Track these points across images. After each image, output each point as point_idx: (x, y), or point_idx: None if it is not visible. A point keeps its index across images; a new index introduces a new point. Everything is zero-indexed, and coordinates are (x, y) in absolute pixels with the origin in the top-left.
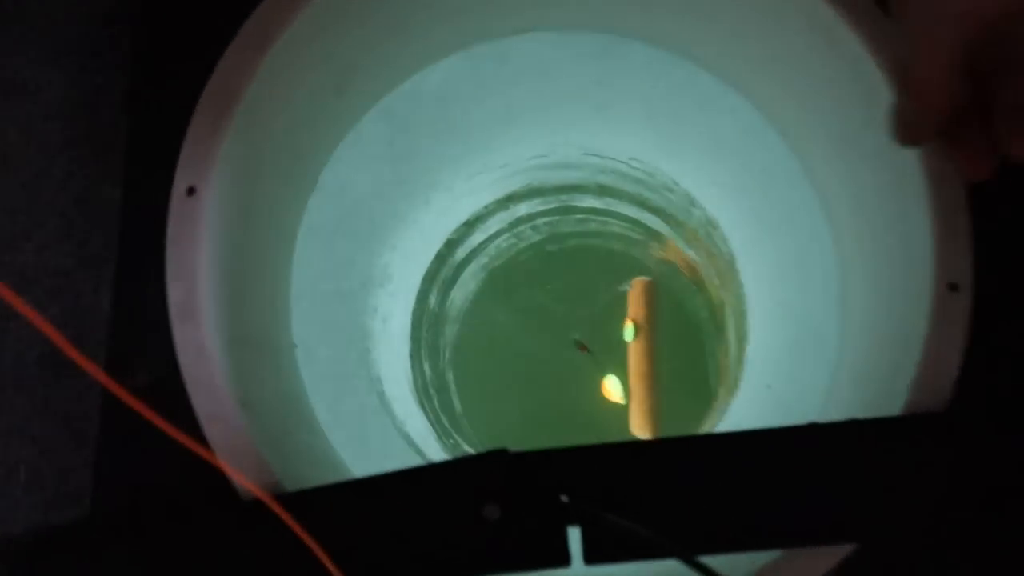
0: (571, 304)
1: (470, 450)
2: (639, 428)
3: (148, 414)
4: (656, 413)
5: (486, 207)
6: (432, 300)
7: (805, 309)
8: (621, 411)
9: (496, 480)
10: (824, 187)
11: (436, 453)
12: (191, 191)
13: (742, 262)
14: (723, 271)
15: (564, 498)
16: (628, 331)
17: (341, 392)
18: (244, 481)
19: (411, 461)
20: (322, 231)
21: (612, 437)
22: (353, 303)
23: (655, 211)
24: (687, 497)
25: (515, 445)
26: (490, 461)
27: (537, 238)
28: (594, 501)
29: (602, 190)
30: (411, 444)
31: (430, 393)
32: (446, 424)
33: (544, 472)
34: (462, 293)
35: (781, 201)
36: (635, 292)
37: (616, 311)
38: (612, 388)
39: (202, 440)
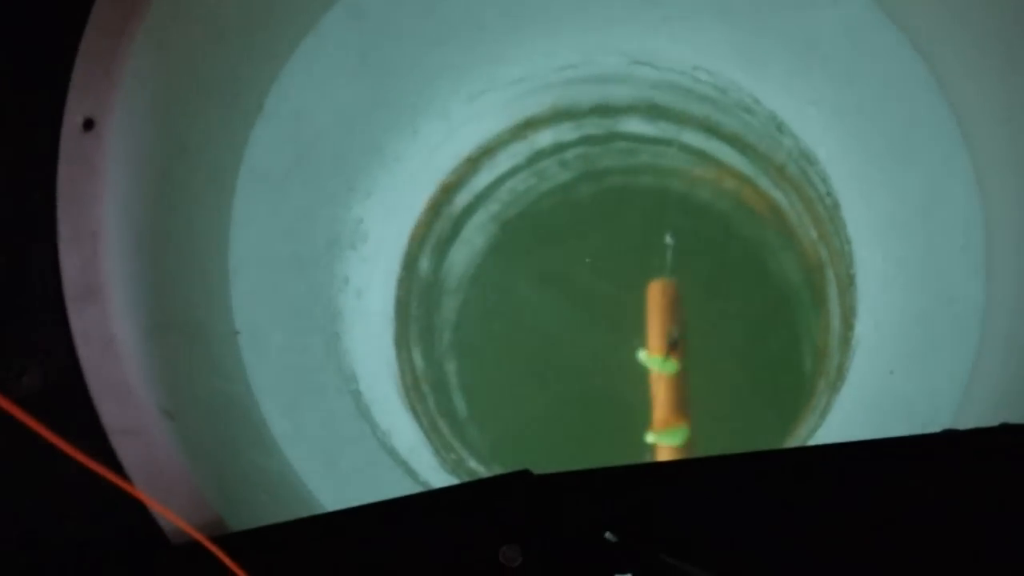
0: (611, 266)
1: (480, 469)
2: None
3: (37, 428)
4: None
5: (496, 137)
6: (424, 265)
7: (936, 271)
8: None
9: (516, 513)
10: (963, 105)
11: (433, 473)
12: (88, 125)
13: (849, 209)
14: (822, 221)
15: (610, 536)
16: (652, 358)
17: (302, 393)
18: (173, 518)
19: (400, 485)
20: (271, 175)
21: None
22: (315, 273)
23: (728, 139)
24: (777, 532)
25: (541, 462)
26: (507, 488)
27: (566, 177)
28: (651, 540)
29: (656, 111)
30: (398, 461)
31: (423, 392)
32: (445, 433)
33: (581, 501)
34: (464, 254)
35: (903, 125)
36: (654, 302)
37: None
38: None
39: (114, 463)
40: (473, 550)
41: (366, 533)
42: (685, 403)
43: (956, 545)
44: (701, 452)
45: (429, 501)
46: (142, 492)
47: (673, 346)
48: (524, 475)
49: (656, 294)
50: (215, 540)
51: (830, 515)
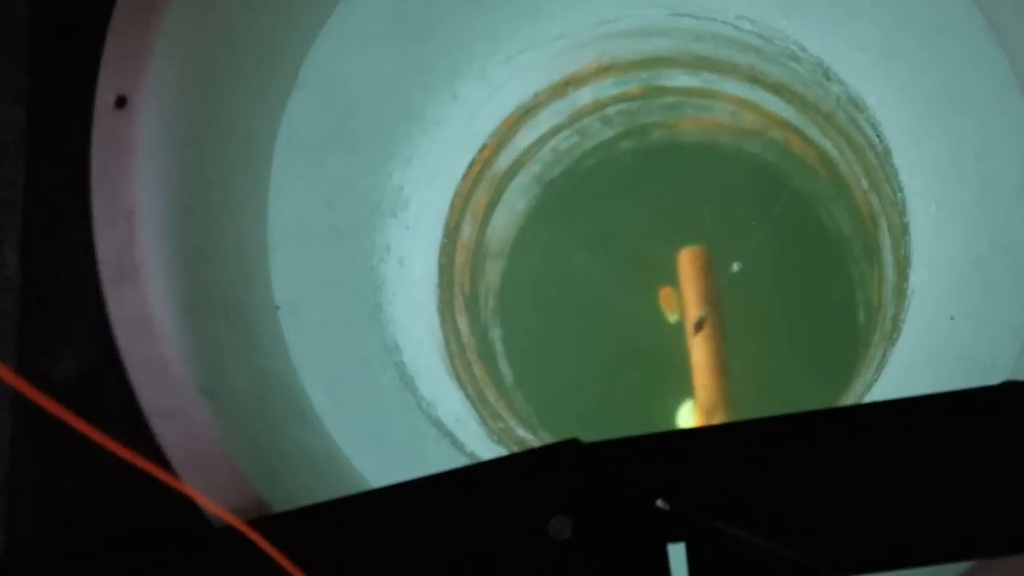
0: (656, 225)
1: (527, 436)
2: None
3: (73, 420)
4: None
5: (536, 96)
6: (466, 230)
7: (991, 217)
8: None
9: (565, 484)
10: (1018, 48)
11: (480, 444)
12: (121, 102)
13: (901, 156)
14: (873, 169)
15: (661, 504)
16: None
17: (345, 367)
18: (213, 504)
19: (446, 457)
20: (308, 145)
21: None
22: (356, 243)
23: (774, 89)
24: (835, 497)
25: (589, 428)
26: (555, 458)
27: (609, 134)
28: (704, 507)
29: (700, 63)
30: (444, 432)
31: (468, 360)
32: (491, 401)
33: (632, 469)
34: (507, 217)
35: (955, 69)
36: (686, 269)
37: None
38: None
39: (152, 448)
40: (522, 523)
41: (410, 509)
42: (720, 374)
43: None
44: (752, 412)
45: (475, 474)
46: (182, 474)
47: (698, 326)
48: (572, 444)
49: (686, 264)
50: (256, 522)
51: (889, 476)
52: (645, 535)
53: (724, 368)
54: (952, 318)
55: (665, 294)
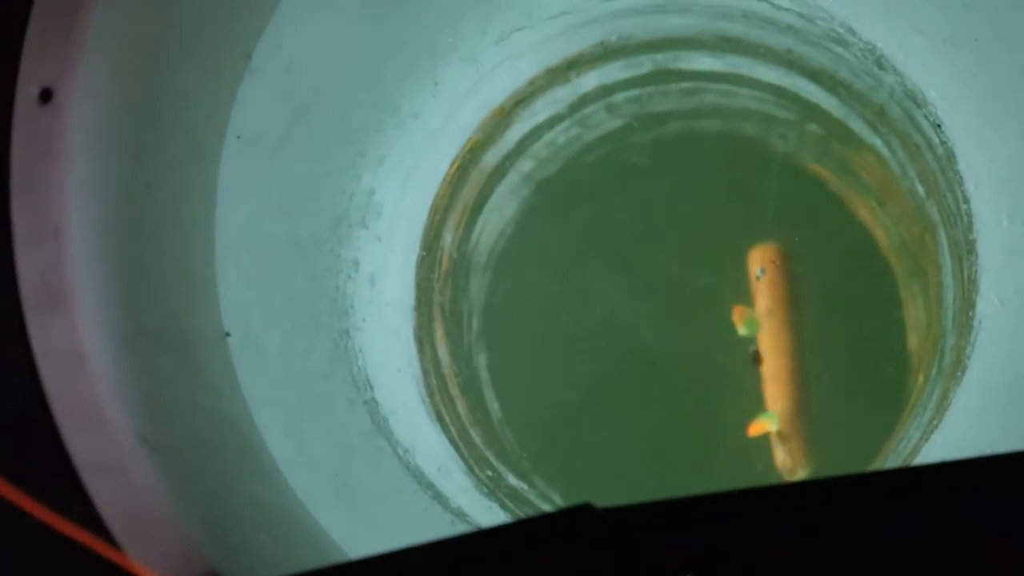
0: (671, 230)
1: (520, 485)
2: (791, 465)
3: None
4: (810, 443)
5: (532, 82)
6: (447, 239)
7: None
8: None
9: (577, 558)
10: None
11: (467, 497)
12: (46, 96)
13: (966, 160)
14: (931, 174)
15: None
16: (750, 324)
17: (307, 407)
18: (158, 571)
19: (427, 514)
20: (262, 142)
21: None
22: (319, 257)
23: (814, 76)
24: (888, 572)
25: (594, 475)
26: (566, 526)
27: (616, 124)
28: None
29: (725, 44)
30: (425, 484)
31: (451, 395)
32: (478, 444)
33: (655, 539)
34: (495, 222)
35: None
36: (761, 268)
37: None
38: (766, 421)
39: (88, 508)
40: None
41: None
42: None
43: None
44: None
45: (470, 546)
46: (122, 542)
47: (755, 359)
48: (586, 510)
49: (764, 261)
50: None
51: (945, 551)
52: None
53: (803, 376)
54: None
55: (740, 311)
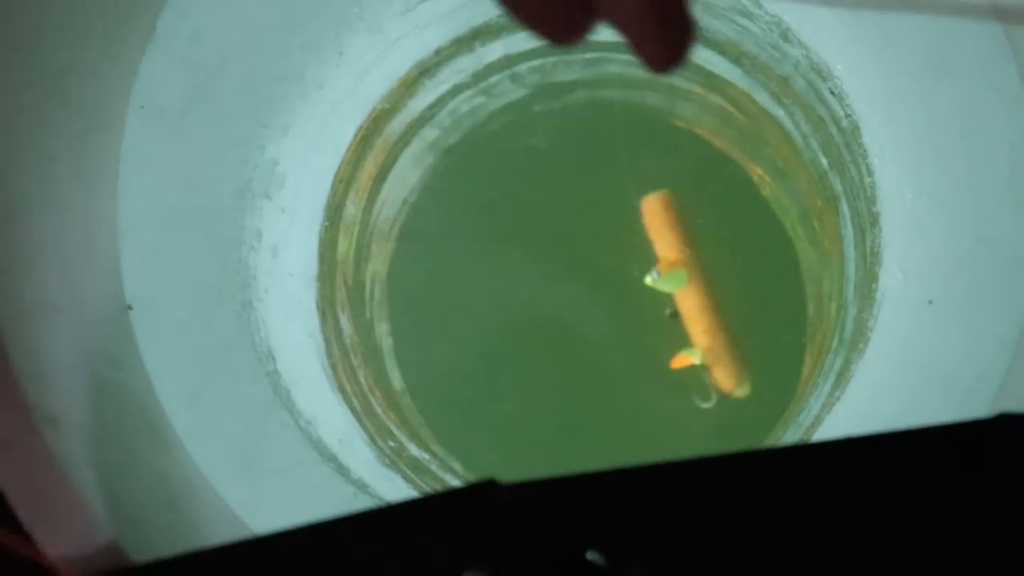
0: (573, 197)
1: (421, 455)
2: (731, 382)
3: None
4: (741, 363)
5: (438, 52)
6: (350, 209)
7: (977, 208)
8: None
9: (481, 534)
10: (1010, 7)
11: (368, 468)
12: None
13: (871, 134)
14: (835, 146)
15: (594, 557)
16: (666, 279)
17: (209, 379)
18: (59, 552)
19: (330, 485)
20: (165, 112)
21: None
22: (221, 229)
23: (719, 47)
24: (794, 548)
25: (504, 450)
26: (469, 502)
27: (520, 94)
28: (645, 559)
29: None
30: (327, 456)
31: (353, 366)
32: (380, 414)
33: (558, 514)
34: (397, 192)
35: (937, 33)
36: (652, 216)
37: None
38: (688, 355)
39: None
40: None
41: (298, 561)
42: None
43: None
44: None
45: (375, 521)
46: (22, 518)
47: (673, 316)
48: (489, 486)
49: (655, 207)
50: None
51: (852, 527)
52: None
53: (719, 310)
54: (930, 302)
55: (681, 359)
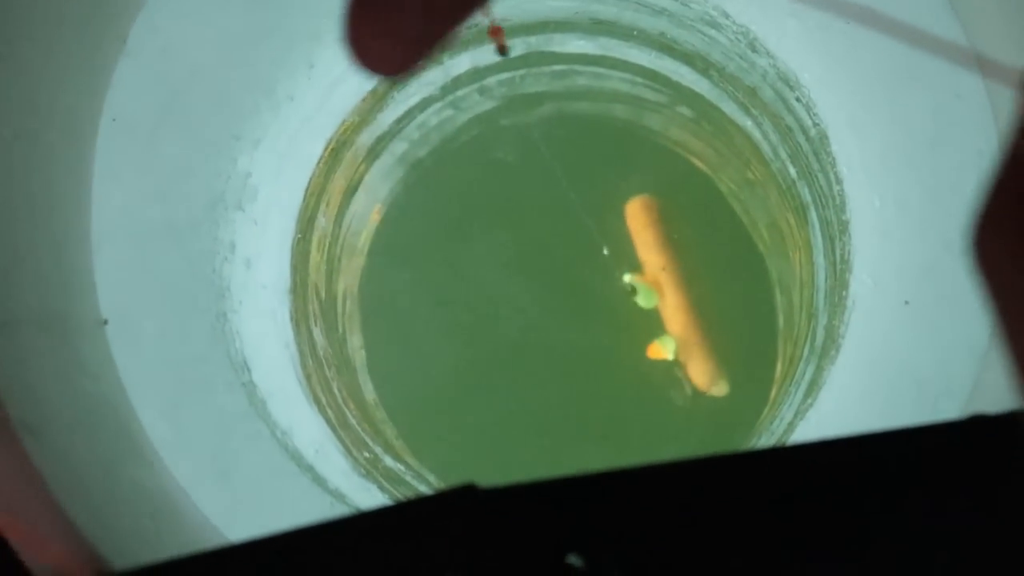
0: (541, 209)
1: (396, 466)
2: (707, 379)
3: None
4: (716, 361)
5: None
6: (321, 221)
7: (946, 216)
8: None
9: (460, 538)
10: (975, 18)
11: (345, 478)
12: None
13: (839, 142)
14: (803, 155)
15: (574, 560)
16: (642, 291)
17: (184, 390)
18: (38, 560)
19: (306, 496)
20: (138, 125)
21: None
22: (195, 241)
23: (687, 59)
24: (772, 550)
25: (476, 460)
26: (448, 507)
27: (488, 106)
28: (624, 562)
29: (598, 27)
30: (304, 466)
31: (327, 377)
32: (354, 425)
33: (539, 518)
34: (367, 205)
35: (904, 42)
36: (636, 219)
37: (617, 220)
38: (663, 346)
39: None
40: None
41: (279, 569)
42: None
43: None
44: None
45: (354, 527)
46: (2, 526)
47: (632, 292)
48: (468, 490)
49: (638, 211)
50: None
51: (820, 525)
52: None
53: (697, 308)
54: (907, 302)
55: (656, 349)
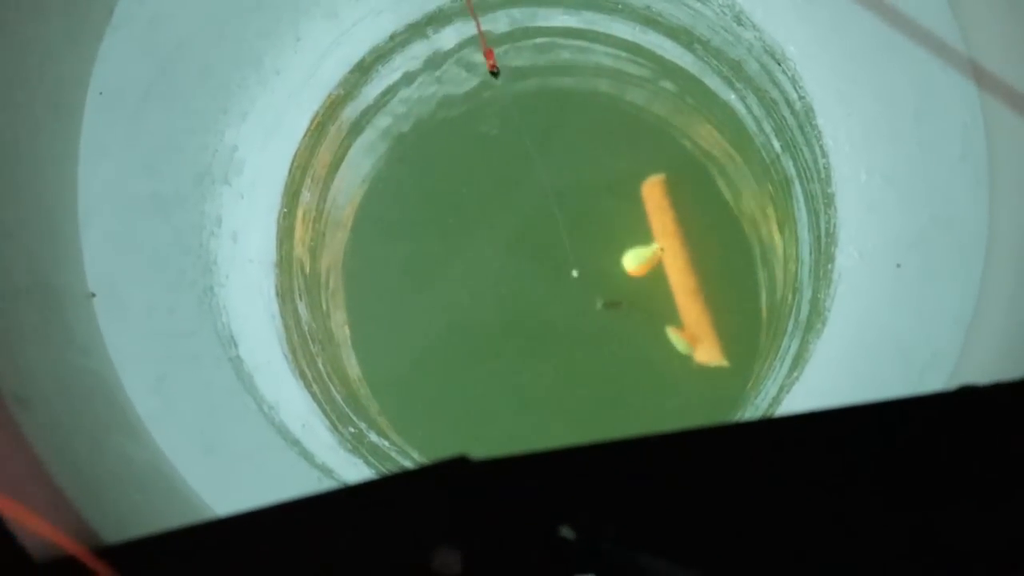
0: (525, 183)
1: (380, 442)
2: (712, 355)
3: None
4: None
5: (392, 38)
6: (306, 196)
7: (931, 188)
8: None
9: (452, 509)
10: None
11: (331, 453)
12: None
13: (825, 115)
14: (787, 129)
15: (566, 532)
16: (638, 254)
17: (172, 364)
18: (37, 527)
19: (294, 470)
20: (125, 97)
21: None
22: (182, 214)
23: (671, 32)
24: (760, 520)
25: (457, 432)
26: (441, 479)
27: (473, 82)
28: (616, 534)
29: (583, 1)
30: (291, 440)
31: (312, 353)
32: (339, 401)
33: (531, 490)
34: (351, 179)
35: (888, 15)
36: (653, 201)
37: (605, 195)
38: (676, 341)
39: None
40: (401, 557)
41: (270, 541)
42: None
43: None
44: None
45: (344, 499)
46: None
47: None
48: (461, 463)
49: (655, 190)
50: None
51: (818, 498)
52: (548, 567)
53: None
54: (898, 265)
55: (675, 332)
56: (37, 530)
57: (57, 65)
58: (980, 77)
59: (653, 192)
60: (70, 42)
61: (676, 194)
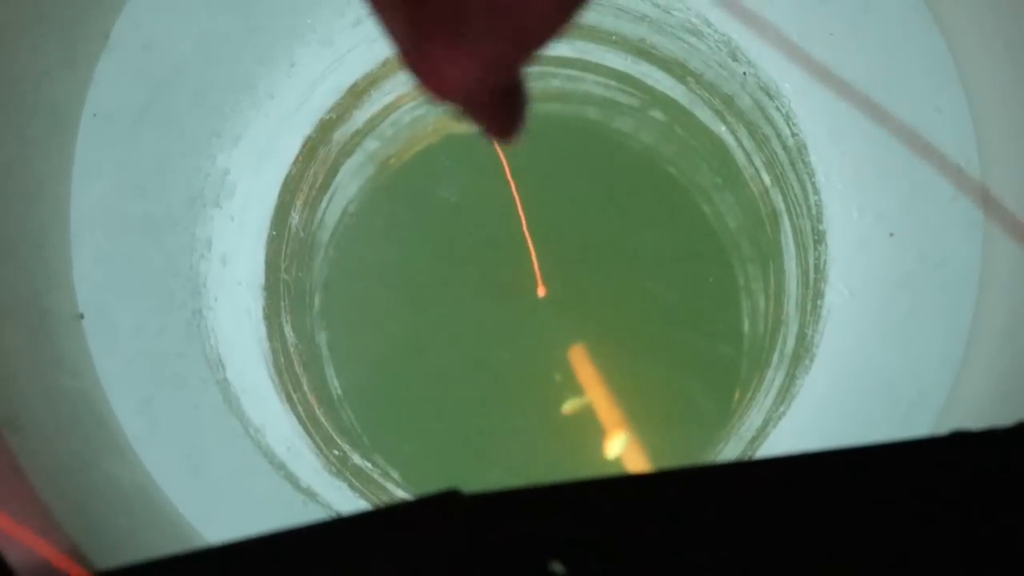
0: (509, 211)
1: (364, 464)
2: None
3: None
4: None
5: (386, 64)
6: (295, 218)
7: (921, 228)
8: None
9: (445, 544)
10: (956, 28)
11: (316, 477)
12: None
13: (818, 153)
14: (778, 164)
15: (557, 568)
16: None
17: (160, 386)
18: (19, 555)
19: (278, 494)
20: (118, 120)
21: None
22: (173, 237)
23: (664, 64)
24: (748, 557)
25: (444, 465)
26: (431, 513)
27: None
28: (606, 570)
29: (576, 31)
30: (276, 464)
31: (297, 375)
32: (324, 423)
33: (522, 526)
34: (339, 201)
35: (884, 55)
36: (581, 368)
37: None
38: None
39: None
40: None
41: (258, 573)
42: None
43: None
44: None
45: (335, 532)
46: None
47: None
48: (452, 497)
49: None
50: None
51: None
52: None
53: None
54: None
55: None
56: (31, 556)
57: (52, 87)
58: (977, 119)
59: (579, 360)
60: (66, 65)
61: (660, 221)
